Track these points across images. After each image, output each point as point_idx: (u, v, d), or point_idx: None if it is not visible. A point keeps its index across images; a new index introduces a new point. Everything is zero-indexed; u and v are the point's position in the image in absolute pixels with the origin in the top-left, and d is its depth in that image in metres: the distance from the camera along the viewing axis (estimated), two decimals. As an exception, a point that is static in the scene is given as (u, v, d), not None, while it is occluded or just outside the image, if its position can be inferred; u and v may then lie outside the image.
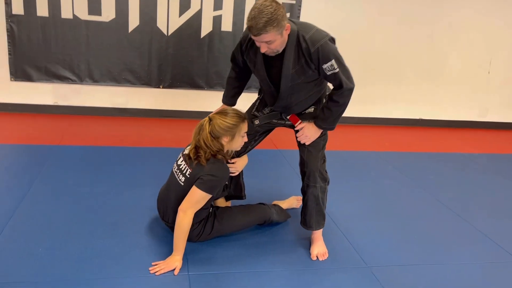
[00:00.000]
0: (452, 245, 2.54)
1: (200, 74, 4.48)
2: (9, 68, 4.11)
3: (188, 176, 2.09)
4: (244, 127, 2.14)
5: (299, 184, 2.36)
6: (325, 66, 1.99)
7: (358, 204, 2.96)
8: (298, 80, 2.08)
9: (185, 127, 4.08)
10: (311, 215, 2.30)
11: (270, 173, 3.36)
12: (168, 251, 2.15)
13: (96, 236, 2.25)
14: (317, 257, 2.26)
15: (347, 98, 2.10)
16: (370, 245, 2.44)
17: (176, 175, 2.17)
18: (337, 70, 2.00)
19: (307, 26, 2.03)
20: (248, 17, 1.87)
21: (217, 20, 4.34)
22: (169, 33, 4.30)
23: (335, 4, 4.57)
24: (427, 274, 2.22)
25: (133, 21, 4.19)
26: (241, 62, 2.25)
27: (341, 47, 4.74)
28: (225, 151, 2.13)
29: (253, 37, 1.91)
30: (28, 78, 4.17)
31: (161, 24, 4.25)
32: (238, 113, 2.13)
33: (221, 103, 2.43)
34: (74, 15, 4.07)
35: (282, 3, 4.33)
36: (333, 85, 2.10)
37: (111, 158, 3.37)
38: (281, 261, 2.21)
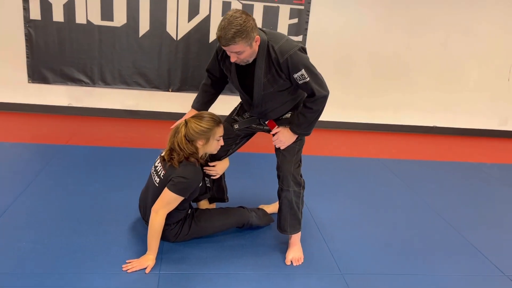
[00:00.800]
0: (436, 256, 2.48)
1: (208, 78, 4.56)
2: (27, 70, 4.33)
3: (162, 177, 2.15)
4: (219, 131, 2.18)
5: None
6: (295, 75, 2.02)
7: (348, 211, 2.94)
8: (271, 89, 2.11)
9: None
10: (285, 219, 2.32)
11: (267, 177, 3.37)
12: (144, 248, 2.21)
13: (79, 232, 2.35)
14: (291, 262, 2.27)
15: (321, 105, 2.11)
16: (350, 253, 2.42)
17: (152, 176, 2.24)
18: (308, 79, 2.02)
19: (277, 37, 2.06)
20: (218, 27, 1.90)
21: (225, 25, 4.41)
22: (178, 38, 4.41)
23: (344, 9, 4.55)
24: (401, 284, 2.19)
25: (144, 26, 4.33)
26: (218, 71, 2.29)
27: (351, 53, 4.78)
28: (200, 154, 2.18)
29: (223, 47, 1.95)
30: (44, 80, 4.39)
31: (170, 29, 4.37)
32: (213, 117, 2.17)
33: (198, 109, 2.42)
34: (87, 20, 4.25)
35: (290, 8, 4.39)
36: (306, 93, 2.12)
37: (115, 158, 3.50)
38: (254, 264, 2.23)
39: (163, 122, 4.59)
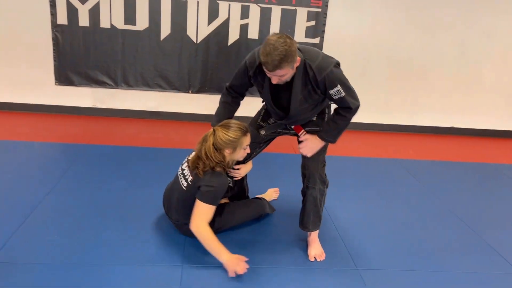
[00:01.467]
0: (452, 254, 2.52)
1: (227, 80, 4.59)
2: (54, 73, 4.51)
3: (190, 182, 2.24)
4: (246, 140, 2.23)
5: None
6: (331, 91, 2.08)
7: (364, 210, 2.99)
8: (306, 104, 2.19)
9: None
10: (308, 216, 2.40)
11: (282, 176, 3.44)
12: (167, 243, 2.35)
13: (105, 227, 2.48)
14: (315, 258, 2.35)
15: (353, 114, 2.19)
16: (366, 250, 2.49)
17: (179, 179, 2.33)
18: (343, 94, 2.09)
19: (313, 54, 2.09)
20: (263, 52, 1.93)
21: (243, 29, 4.51)
22: (198, 41, 4.53)
23: (361, 12, 4.60)
24: (415, 279, 2.25)
25: (165, 30, 4.46)
26: (244, 87, 2.31)
27: (368, 55, 4.81)
28: (226, 162, 2.24)
29: (267, 72, 1.99)
30: (70, 82, 4.56)
31: (190, 32, 4.49)
32: (240, 127, 2.20)
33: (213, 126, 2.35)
34: (111, 25, 4.40)
35: (308, 11, 4.46)
36: (339, 106, 2.18)
37: (138, 157, 3.62)
38: (272, 259, 2.31)
39: (183, 123, 4.72)
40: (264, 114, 2.48)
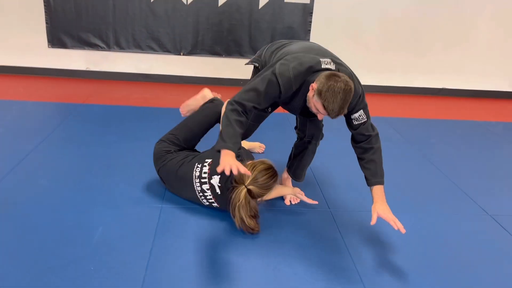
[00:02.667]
0: (424, 198, 2.63)
1: (218, 42, 4.71)
2: (46, 36, 4.57)
3: (213, 206, 2.27)
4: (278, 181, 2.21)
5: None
6: (354, 115, 2.08)
7: (340, 160, 3.06)
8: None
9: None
10: (303, 168, 2.54)
11: (270, 134, 3.51)
12: (149, 188, 2.47)
13: (91, 174, 2.60)
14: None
15: (379, 142, 2.16)
16: (340, 195, 2.59)
17: (197, 193, 2.25)
18: (365, 120, 2.08)
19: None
20: (328, 98, 1.83)
21: (233, -11, 4.52)
22: (189, 2, 4.55)
23: (352, -29, 4.58)
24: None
25: (155, -9, 4.49)
26: (267, 106, 2.19)
27: (360, 15, 4.80)
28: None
29: (321, 111, 1.91)
30: (63, 45, 4.62)
31: (181, -7, 4.52)
32: (271, 177, 2.12)
33: (229, 149, 1.91)
34: (102, -13, 4.43)
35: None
36: (356, 135, 2.15)
37: (129, 115, 3.72)
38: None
39: (175, 85, 4.78)
40: None
